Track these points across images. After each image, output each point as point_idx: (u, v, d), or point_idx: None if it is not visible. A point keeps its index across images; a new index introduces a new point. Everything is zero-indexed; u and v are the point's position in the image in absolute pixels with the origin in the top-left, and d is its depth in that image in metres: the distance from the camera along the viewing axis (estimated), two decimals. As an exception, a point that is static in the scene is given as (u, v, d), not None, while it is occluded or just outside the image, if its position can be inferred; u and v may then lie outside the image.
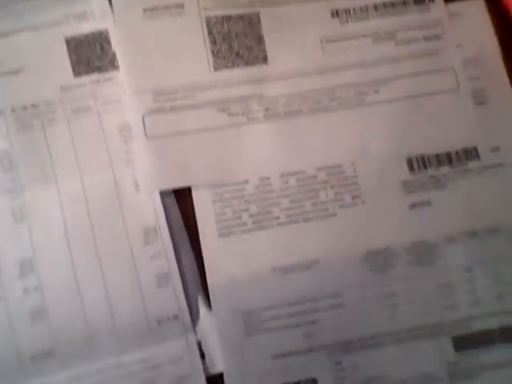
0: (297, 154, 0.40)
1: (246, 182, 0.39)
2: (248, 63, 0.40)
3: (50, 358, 0.35)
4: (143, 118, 0.39)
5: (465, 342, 0.37)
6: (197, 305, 0.37)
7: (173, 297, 0.36)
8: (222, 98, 0.40)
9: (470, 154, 0.40)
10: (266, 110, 0.40)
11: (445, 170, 0.40)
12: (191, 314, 0.37)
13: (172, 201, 0.39)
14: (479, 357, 0.37)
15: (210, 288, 0.37)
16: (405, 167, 0.40)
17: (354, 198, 0.39)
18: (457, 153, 0.40)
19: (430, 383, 0.37)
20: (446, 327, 0.37)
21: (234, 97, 0.40)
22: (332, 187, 0.39)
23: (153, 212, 0.38)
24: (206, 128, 0.39)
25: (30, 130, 0.38)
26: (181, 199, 0.39)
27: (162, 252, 0.37)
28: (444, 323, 0.37)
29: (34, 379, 0.35)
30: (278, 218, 0.39)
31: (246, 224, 0.38)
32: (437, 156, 0.40)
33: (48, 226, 0.37)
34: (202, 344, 0.36)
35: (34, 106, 0.38)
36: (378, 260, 0.38)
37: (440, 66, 0.42)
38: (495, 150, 0.40)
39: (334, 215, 0.39)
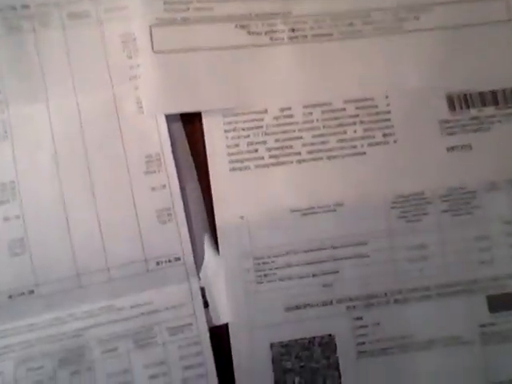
0: (324, 82, 0.34)
1: (265, 111, 0.33)
2: (274, -26, 0.34)
3: (32, 297, 0.30)
4: (151, 28, 0.33)
5: (500, 302, 0.32)
6: (202, 246, 0.31)
7: (175, 235, 0.31)
8: (242, 14, 0.33)
9: (518, 94, 0.34)
10: (292, 30, 0.34)
11: (489, 110, 0.34)
12: (195, 256, 0.31)
13: (179, 127, 0.33)
14: (516, 319, 0.32)
15: (218, 228, 0.32)
16: (444, 105, 0.34)
17: (385, 135, 0.33)
18: (504, 92, 0.34)
19: (460, 346, 0.31)
20: (480, 285, 0.32)
21: (256, 12, 0.34)
22: (361, 122, 0.33)
23: (157, 137, 0.32)
24: (222, 46, 0.33)
25: (19, 32, 0.32)
26: (189, 126, 0.33)
27: (166, 183, 0.31)
28: (479, 280, 0.32)
29: (13, 321, 0.30)
30: (299, 153, 0.33)
31: (262, 158, 0.33)
32: (480, 94, 0.34)
33: (35, 147, 0.31)
34: (206, 291, 0.31)
35: (24, 6, 0.32)
36: (409, 206, 0.32)
37: (491, -7, 0.35)
38: (546, 91, 0.34)
39: (363, 153, 0.33)
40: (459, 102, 0.34)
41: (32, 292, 0.30)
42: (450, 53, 0.35)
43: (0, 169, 0.31)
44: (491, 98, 0.34)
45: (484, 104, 0.34)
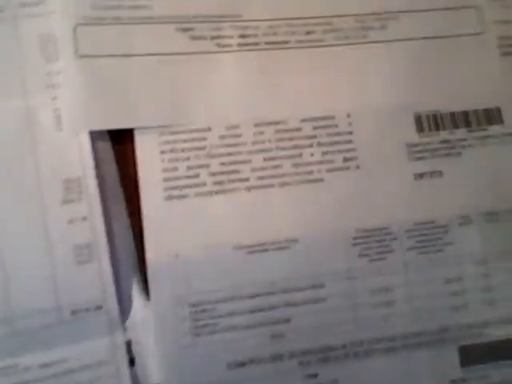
0: (278, 98, 0.27)
1: (208, 129, 0.26)
2: (223, -30, 0.27)
3: None
4: (75, 28, 0.25)
5: (473, 355, 0.26)
6: (130, 291, 0.25)
7: (96, 278, 0.24)
8: (185, 15, 0.27)
9: (492, 115, 0.29)
10: (243, 36, 0.27)
11: (461, 133, 0.28)
12: (121, 303, 0.25)
13: (106, 147, 0.26)
14: (491, 374, 0.26)
15: (148, 268, 0.25)
16: (412, 126, 0.28)
17: (346, 160, 0.27)
18: (476, 113, 0.28)
19: (428, 405, 0.25)
20: (451, 334, 0.26)
21: (201, 14, 0.27)
22: (320, 144, 0.27)
23: (78, 159, 0.25)
24: (160, 52, 0.26)
25: None
26: (119, 146, 0.26)
27: (87, 215, 0.24)
28: (450, 328, 0.26)
29: None
30: (247, 179, 0.26)
31: (204, 185, 0.26)
32: (452, 115, 0.28)
33: None
34: (133, 345, 0.24)
35: None
36: (373, 243, 0.26)
37: (463, 2, 0.29)
38: (523, 113, 0.29)
39: (321, 180, 0.27)
40: (428, 122, 0.28)
41: None
42: (419, 67, 0.29)
43: None
44: (463, 119, 0.29)
45: (455, 126, 0.28)
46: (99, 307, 0.24)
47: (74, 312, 0.24)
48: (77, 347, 0.24)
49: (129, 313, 0.25)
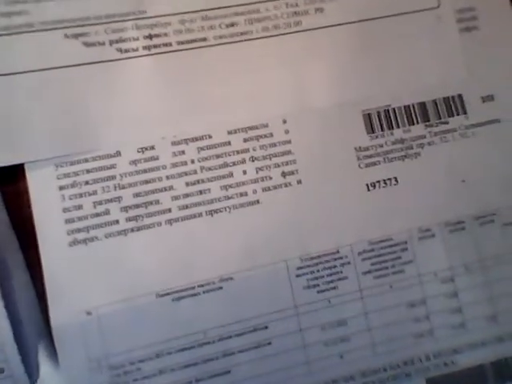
0: (197, 109, 0.22)
1: (118, 153, 0.22)
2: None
3: None
4: None
5: (444, 387, 0.22)
6: (36, 356, 0.20)
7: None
8: (74, 17, 0.21)
9: (453, 105, 0.24)
10: (149, 37, 0.22)
11: (418, 130, 0.24)
12: (27, 367, 0.20)
13: (-5, 187, 0.21)
14: (464, 407, 0.22)
15: (53, 330, 0.20)
16: (360, 127, 0.23)
17: (285, 174, 0.23)
18: (434, 104, 0.24)
19: None
20: (417, 366, 0.23)
21: (94, 15, 0.21)
22: (253, 159, 0.22)
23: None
24: (46, 66, 0.21)
25: None
26: (8, 185, 0.21)
27: None
28: (416, 359, 0.23)
29: None
30: (169, 210, 0.22)
31: (116, 222, 0.21)
32: (406, 109, 0.24)
33: None
34: None
35: None
36: (321, 271, 0.22)
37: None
38: (488, 99, 0.24)
39: (256, 203, 0.22)
40: (379, 121, 0.24)
41: None
42: (365, 55, 0.24)
43: None
44: (419, 113, 0.24)
45: (411, 121, 0.24)
46: (1, 370, 0.20)
47: None
48: None
49: (37, 378, 0.20)
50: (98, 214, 0.21)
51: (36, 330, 0.21)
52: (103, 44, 0.22)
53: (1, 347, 0.20)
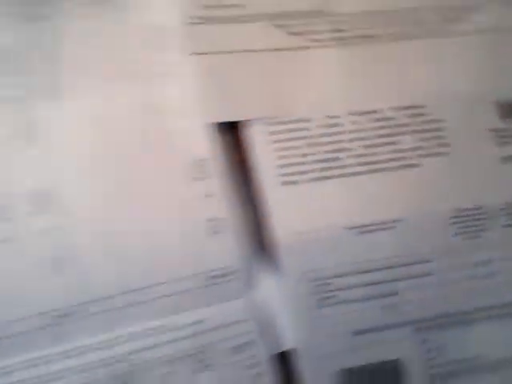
0: (371, 89, 0.28)
1: (308, 120, 0.27)
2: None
3: (75, 318, 0.23)
4: (186, 26, 0.26)
5: None
6: (256, 263, 0.25)
7: (229, 249, 0.25)
8: (278, 12, 0.27)
9: None
10: (335, 31, 0.28)
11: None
12: (249, 273, 0.25)
13: (223, 136, 0.27)
14: None
15: (274, 246, 0.26)
16: (494, 113, 0.29)
17: (439, 146, 0.28)
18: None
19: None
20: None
21: (293, 11, 0.28)
22: (413, 132, 0.28)
23: (202, 144, 0.26)
24: (260, 48, 0.27)
25: (39, 20, 0.25)
26: (231, 135, 0.27)
27: (215, 191, 0.25)
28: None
29: (64, 343, 0.24)
30: (351, 165, 0.27)
31: (311, 171, 0.27)
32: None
33: (68, 151, 0.25)
34: (264, 311, 0.25)
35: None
36: (469, 221, 0.27)
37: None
38: None
39: (416, 166, 0.27)
40: (510, 109, 0.29)
41: (72, 314, 0.23)
42: (499, 57, 0.30)
43: (32, 176, 0.24)
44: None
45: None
46: (232, 273, 0.25)
47: (211, 277, 0.25)
48: (215, 308, 0.25)
49: (257, 282, 0.25)
50: (298, 164, 0.27)
51: (257, 245, 0.26)
52: (300, 34, 0.28)
53: (233, 256, 0.25)
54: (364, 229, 0.27)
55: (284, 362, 0.25)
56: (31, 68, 0.25)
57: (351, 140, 0.28)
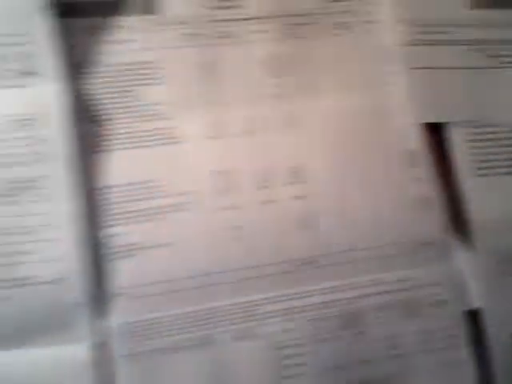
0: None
1: (499, 125, 0.35)
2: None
3: (315, 266, 0.32)
4: (407, 46, 0.35)
5: None
6: (453, 238, 0.33)
7: (434, 222, 0.33)
8: (480, 39, 0.35)
9: None
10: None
11: None
12: (447, 245, 0.33)
13: (429, 133, 0.35)
14: None
15: (471, 225, 0.33)
16: None
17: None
18: None
19: None
20: None
21: (492, 39, 0.35)
22: None
23: (414, 139, 0.34)
24: (463, 66, 0.35)
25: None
26: (436, 133, 0.35)
27: (425, 176, 0.33)
28: None
29: (301, 286, 0.32)
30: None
31: (501, 167, 0.34)
32: None
33: (316, 137, 0.34)
34: (458, 277, 0.33)
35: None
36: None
37: None
38: None
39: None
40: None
41: (315, 262, 0.32)
42: None
43: (290, 154, 0.33)
44: None
45: None
46: (433, 243, 0.33)
47: (421, 243, 0.32)
48: (421, 269, 0.32)
49: (454, 252, 0.33)
50: (490, 160, 0.34)
51: (453, 220, 0.33)
52: (496, 57, 0.36)
53: (437, 228, 0.33)
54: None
55: (473, 320, 0.32)
56: (291, 71, 0.34)
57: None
